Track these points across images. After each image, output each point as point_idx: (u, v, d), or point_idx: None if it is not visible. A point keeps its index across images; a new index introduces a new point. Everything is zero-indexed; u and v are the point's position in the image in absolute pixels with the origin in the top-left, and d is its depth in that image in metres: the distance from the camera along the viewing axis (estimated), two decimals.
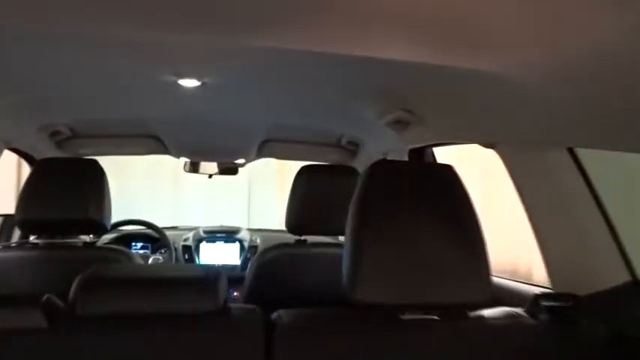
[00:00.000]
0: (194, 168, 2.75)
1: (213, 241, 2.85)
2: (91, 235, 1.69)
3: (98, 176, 1.62)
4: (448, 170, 0.96)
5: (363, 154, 2.27)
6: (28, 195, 1.56)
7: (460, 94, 1.10)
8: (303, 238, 1.78)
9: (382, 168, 0.99)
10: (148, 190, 5.15)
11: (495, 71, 0.81)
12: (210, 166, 2.85)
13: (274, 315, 1.00)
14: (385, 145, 1.98)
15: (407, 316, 0.96)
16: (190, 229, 3.00)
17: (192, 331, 0.90)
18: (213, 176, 2.88)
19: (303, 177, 1.74)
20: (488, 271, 0.92)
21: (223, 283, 1.00)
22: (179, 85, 1.38)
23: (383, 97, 1.42)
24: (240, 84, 1.45)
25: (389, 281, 0.89)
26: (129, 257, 1.63)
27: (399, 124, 1.54)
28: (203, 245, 2.82)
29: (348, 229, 0.95)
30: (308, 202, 1.71)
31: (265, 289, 1.72)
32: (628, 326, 1.05)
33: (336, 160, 2.42)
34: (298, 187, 1.73)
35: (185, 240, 2.83)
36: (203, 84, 1.38)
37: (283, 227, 4.61)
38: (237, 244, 2.85)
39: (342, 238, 1.79)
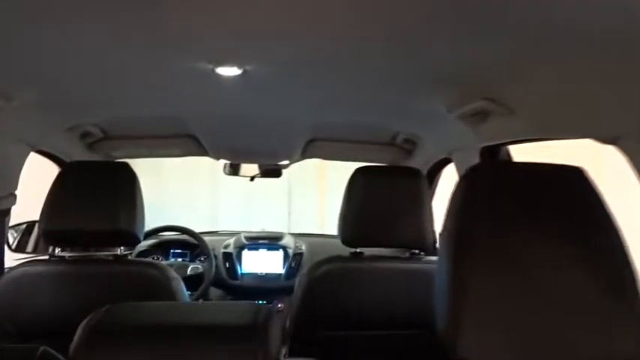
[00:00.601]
0: (234, 170, 2.55)
1: (256, 249, 2.65)
2: (122, 248, 1.51)
3: (130, 181, 1.44)
4: (580, 175, 0.70)
5: (421, 154, 2.03)
6: (53, 203, 1.39)
7: (575, 76, 0.86)
8: (359, 250, 1.55)
9: (490, 172, 0.73)
10: (185, 193, 5.02)
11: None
12: (250, 168, 2.65)
13: None
14: (450, 142, 1.74)
15: None
16: (231, 235, 2.82)
17: None
18: (254, 179, 2.69)
19: (359, 179, 1.51)
20: None
21: (275, 334, 0.77)
22: (217, 74, 1.19)
23: (462, 85, 1.19)
24: (286, 73, 1.24)
25: (509, 335, 0.64)
26: (164, 273, 1.44)
27: (476, 117, 1.29)
28: (245, 253, 2.64)
29: (444, 253, 0.70)
30: (366, 209, 1.48)
31: (316, 308, 1.50)
32: None
33: (389, 161, 2.19)
34: (354, 190, 1.51)
35: (226, 247, 2.65)
36: (244, 72, 1.17)
37: (325, 231, 4.43)
38: (280, 252, 2.65)
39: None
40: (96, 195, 1.41)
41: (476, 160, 1.67)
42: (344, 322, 1.50)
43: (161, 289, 1.42)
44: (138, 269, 1.45)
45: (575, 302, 0.63)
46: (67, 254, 1.46)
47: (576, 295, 0.63)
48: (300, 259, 2.64)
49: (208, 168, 4.96)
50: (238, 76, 1.21)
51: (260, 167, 2.61)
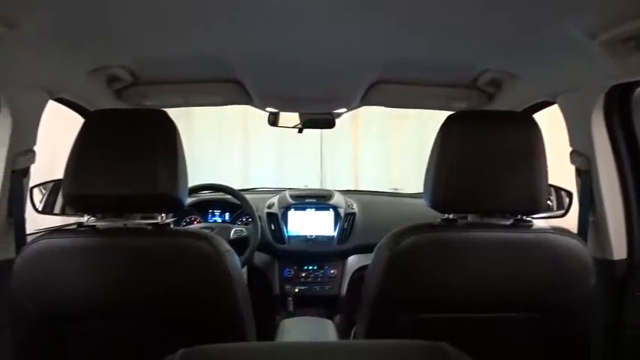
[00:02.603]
0: (280, 120, 2.23)
1: (303, 209, 2.39)
2: (162, 215, 1.24)
3: (170, 133, 1.17)
4: None
5: (507, 97, 1.69)
6: (77, 161, 1.12)
7: None
8: (451, 217, 1.25)
9: None
10: (214, 146, 4.78)
11: None
12: (292, 118, 2.32)
13: None
14: (559, 81, 1.40)
15: None
16: (273, 192, 2.55)
17: None
18: (285, 130, 2.37)
19: (454, 128, 1.20)
20: None
21: None
22: (268, 2, 0.88)
23: None
24: None
25: None
26: (214, 245, 1.17)
27: (626, 45, 0.96)
28: (291, 213, 2.38)
29: None
30: (463, 166, 1.17)
31: (401, 287, 1.22)
32: None
33: (464, 107, 1.85)
34: (447, 142, 1.20)
35: (269, 207, 2.39)
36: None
37: (359, 186, 4.16)
38: (330, 212, 2.38)
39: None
40: (129, 150, 1.13)
41: (593, 102, 1.34)
42: (434, 303, 1.22)
43: (212, 265, 1.16)
44: (183, 241, 1.18)
45: None
46: (98, 223, 1.20)
47: None
48: (353, 219, 2.37)
49: (240, 119, 4.69)
50: (294, 5, 0.90)
51: (302, 117, 2.28)
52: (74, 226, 1.23)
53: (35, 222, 1.60)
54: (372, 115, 4.69)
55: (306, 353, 0.81)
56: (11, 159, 1.33)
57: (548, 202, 1.83)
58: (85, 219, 1.21)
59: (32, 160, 1.40)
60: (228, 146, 4.84)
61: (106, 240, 1.17)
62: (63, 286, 1.15)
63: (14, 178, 1.34)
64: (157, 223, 1.22)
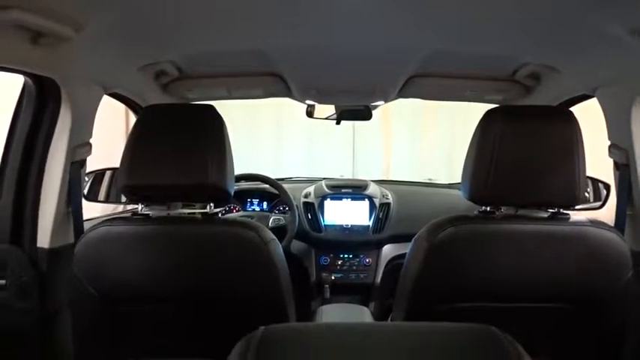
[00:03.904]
0: (317, 112, 2.28)
1: (339, 198, 2.44)
2: (211, 204, 1.31)
3: (218, 127, 1.23)
4: None
5: (545, 91, 1.70)
6: (132, 154, 1.19)
7: None
8: (489, 209, 1.29)
9: None
10: (248, 137, 4.85)
11: None
12: (327, 110, 2.36)
13: None
14: (598, 75, 1.41)
15: None
16: (308, 182, 2.60)
17: None
18: (316, 122, 2.42)
19: (494, 121, 1.22)
20: None
21: None
22: None
23: None
24: None
25: None
26: (260, 234, 1.23)
27: None
28: (327, 202, 2.43)
29: None
30: (504, 159, 1.20)
31: (439, 278, 1.26)
32: None
33: (501, 101, 1.87)
34: (487, 135, 1.22)
35: (306, 196, 2.44)
36: None
37: (389, 177, 4.15)
38: (366, 202, 2.42)
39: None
40: (180, 143, 1.20)
41: (632, 96, 1.34)
42: (471, 293, 1.26)
43: (258, 253, 1.22)
44: (231, 230, 1.25)
45: None
46: (151, 212, 1.28)
47: None
48: (388, 210, 2.41)
49: (273, 111, 4.76)
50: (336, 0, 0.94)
51: (337, 109, 2.32)
52: (129, 214, 1.31)
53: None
54: (403, 107, 4.70)
55: (381, 334, 0.86)
56: (70, 151, 1.41)
57: (585, 193, 1.84)
58: (139, 207, 1.29)
59: (89, 152, 1.48)
60: (261, 137, 4.92)
61: (160, 228, 1.24)
62: (120, 270, 1.22)
63: (73, 169, 1.43)
64: (207, 213, 1.29)
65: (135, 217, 1.27)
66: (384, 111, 4.78)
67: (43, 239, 1.39)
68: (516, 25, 1.26)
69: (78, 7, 1.03)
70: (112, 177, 2.03)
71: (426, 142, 4.81)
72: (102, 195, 2.05)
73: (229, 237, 1.24)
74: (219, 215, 1.34)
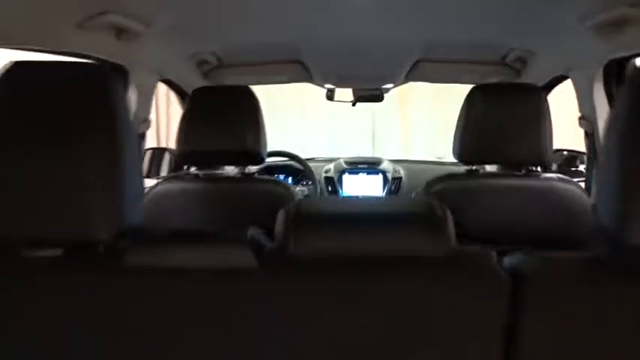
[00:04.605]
0: (338, 95, 2.59)
1: (356, 173, 2.73)
2: (249, 166, 1.62)
3: (254, 104, 1.53)
4: None
5: (532, 72, 1.97)
6: (186, 127, 1.51)
7: None
8: (474, 168, 1.57)
9: None
10: (273, 119, 5.15)
11: None
12: (345, 93, 2.67)
13: (510, 260, 0.81)
14: (569, 58, 1.68)
15: None
16: (329, 161, 2.91)
17: (421, 277, 0.75)
18: (337, 107, 2.73)
19: (476, 97, 1.51)
20: None
21: (451, 223, 0.84)
22: None
23: None
24: None
25: None
26: (289, 191, 1.54)
27: (611, 27, 1.24)
28: (345, 177, 2.72)
29: (608, 156, 0.72)
30: (484, 126, 1.48)
31: None
32: None
33: (496, 82, 2.15)
34: (471, 108, 1.51)
35: (327, 172, 2.75)
36: None
37: (409, 157, 4.39)
38: (380, 176, 2.71)
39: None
40: (224, 118, 1.51)
41: (598, 75, 1.61)
42: (458, 238, 1.55)
43: (286, 204, 1.53)
44: (266, 187, 1.56)
45: None
46: (200, 172, 1.60)
47: None
48: (399, 183, 2.69)
49: (297, 96, 5.06)
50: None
51: (354, 92, 2.63)
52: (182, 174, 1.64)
53: None
54: (420, 91, 4.96)
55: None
56: (136, 125, 1.74)
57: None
58: (192, 170, 1.62)
59: (148, 126, 1.81)
60: (286, 122, 5.22)
61: (208, 185, 1.56)
62: (178, 222, 1.54)
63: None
64: (246, 173, 1.61)
65: (187, 176, 1.60)
66: (402, 96, 5.05)
67: None
68: (502, 16, 1.53)
69: (150, 7, 1.33)
70: (152, 156, 2.36)
71: (442, 123, 5.06)
72: (163, 171, 2.38)
73: (264, 192, 1.55)
74: (255, 175, 1.66)
